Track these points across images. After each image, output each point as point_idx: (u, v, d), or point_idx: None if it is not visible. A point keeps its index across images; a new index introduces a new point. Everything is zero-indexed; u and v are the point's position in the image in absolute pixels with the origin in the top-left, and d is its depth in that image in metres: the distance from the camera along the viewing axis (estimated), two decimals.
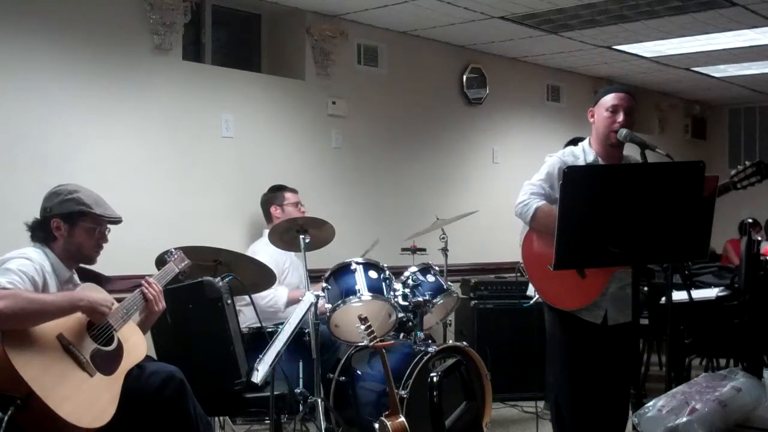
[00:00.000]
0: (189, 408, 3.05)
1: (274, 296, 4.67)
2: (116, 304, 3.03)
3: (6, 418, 2.51)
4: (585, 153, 3.49)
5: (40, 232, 3.00)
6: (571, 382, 3.45)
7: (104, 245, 3.11)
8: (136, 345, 3.03)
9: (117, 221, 3.10)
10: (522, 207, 3.43)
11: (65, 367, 2.72)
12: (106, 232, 3.09)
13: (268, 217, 5.06)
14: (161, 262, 3.56)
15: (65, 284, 3.02)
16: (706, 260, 4.95)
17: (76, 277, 3.11)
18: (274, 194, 5.07)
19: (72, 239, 3.00)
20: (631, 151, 3.44)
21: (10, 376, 2.54)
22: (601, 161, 3.47)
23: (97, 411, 2.73)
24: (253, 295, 4.48)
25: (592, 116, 3.51)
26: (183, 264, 3.43)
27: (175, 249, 3.51)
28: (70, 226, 2.99)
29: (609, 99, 3.44)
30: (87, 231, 3.02)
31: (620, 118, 3.39)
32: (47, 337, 2.71)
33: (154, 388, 3.00)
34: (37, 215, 3.04)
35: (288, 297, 4.71)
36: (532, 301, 3.57)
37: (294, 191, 5.08)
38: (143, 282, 3.17)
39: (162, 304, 3.18)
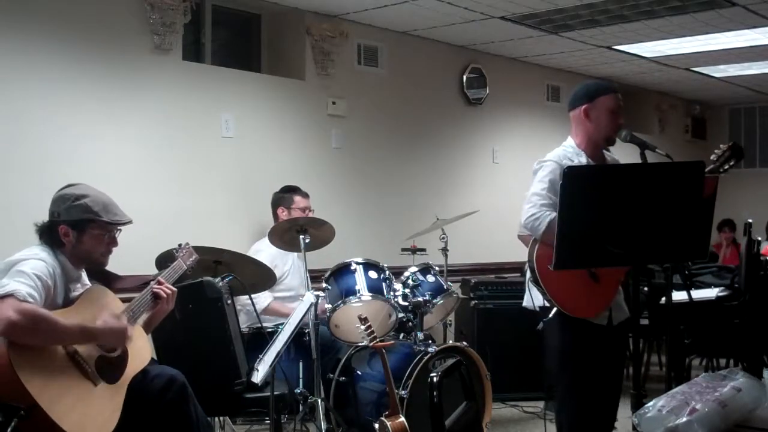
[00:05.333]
0: (191, 411, 3.04)
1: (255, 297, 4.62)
2: (123, 306, 3.02)
3: (10, 429, 2.50)
4: (577, 155, 3.42)
5: (48, 236, 2.94)
6: (581, 391, 3.40)
7: (114, 249, 3.07)
8: (140, 350, 2.99)
9: (126, 224, 3.05)
10: (533, 221, 3.24)
11: (70, 377, 2.70)
12: (117, 235, 3.05)
13: (275, 217, 5.03)
14: (162, 261, 3.56)
15: (73, 284, 2.99)
16: (706, 260, 4.95)
17: (85, 276, 3.08)
18: (284, 195, 5.02)
19: (80, 246, 2.94)
20: (631, 151, 3.44)
21: (14, 387, 2.52)
22: (591, 163, 3.44)
23: (100, 422, 2.72)
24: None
25: (587, 115, 3.39)
26: (191, 259, 3.38)
27: (185, 243, 3.45)
28: (78, 233, 2.93)
29: (611, 101, 3.36)
30: (95, 237, 2.96)
31: (622, 120, 3.39)
32: (54, 347, 2.69)
33: (157, 391, 2.99)
34: (38, 217, 3.00)
35: (270, 305, 4.66)
36: (550, 315, 3.38)
37: (305, 196, 5.01)
38: (156, 281, 3.13)
39: (172, 304, 3.16)
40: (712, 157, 3.34)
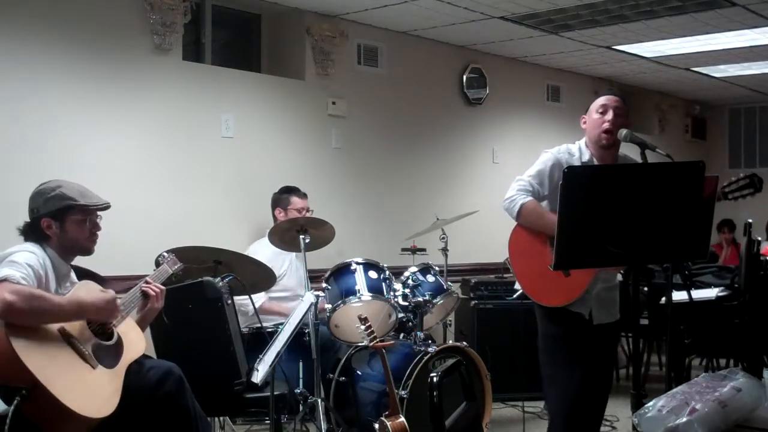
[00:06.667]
0: (188, 403, 3.07)
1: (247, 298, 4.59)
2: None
3: (12, 409, 2.53)
4: (581, 152, 3.50)
5: (33, 233, 3.01)
6: (567, 376, 3.46)
7: (99, 233, 3.11)
8: (135, 340, 3.05)
9: (105, 207, 3.10)
10: (509, 203, 3.44)
11: (68, 358, 2.74)
12: (98, 220, 3.11)
13: (274, 218, 5.02)
14: (159, 264, 3.57)
15: (63, 280, 3.03)
16: (706, 260, 4.95)
17: (73, 275, 3.13)
18: (281, 197, 5.01)
19: (65, 235, 3.01)
20: (631, 151, 3.45)
21: (14, 367, 2.55)
22: (596, 162, 3.48)
23: (100, 401, 2.74)
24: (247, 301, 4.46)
25: (584, 123, 3.53)
26: (176, 267, 3.47)
27: (168, 252, 3.54)
28: (60, 223, 3.00)
29: (599, 101, 3.48)
30: (78, 224, 3.02)
31: (609, 116, 3.41)
32: (50, 330, 2.73)
33: (153, 383, 3.02)
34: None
35: (262, 305, 4.55)
36: (515, 295, 3.60)
37: (303, 196, 5.00)
38: (144, 281, 3.19)
39: (161, 303, 3.21)
40: (724, 182, 3.35)
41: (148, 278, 3.23)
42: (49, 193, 3.01)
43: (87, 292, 2.96)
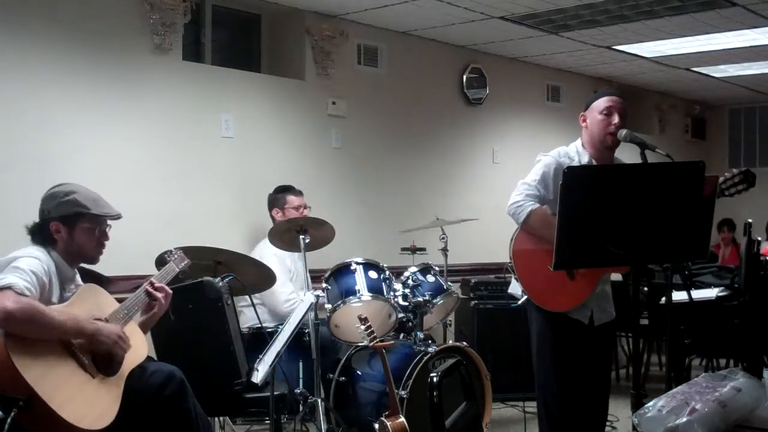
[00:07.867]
0: (189, 407, 3.05)
1: (295, 301, 4.52)
2: (117, 306, 3.04)
3: (9, 419, 2.51)
4: (579, 154, 3.50)
5: (40, 235, 2.98)
6: (561, 381, 3.46)
7: (106, 243, 3.09)
8: (137, 346, 3.02)
9: (116, 218, 3.08)
10: (516, 208, 3.41)
11: (67, 368, 2.72)
12: (107, 230, 3.08)
13: (272, 219, 5.02)
14: (161, 262, 3.57)
15: (68, 283, 3.02)
16: (706, 260, 4.95)
17: (78, 277, 3.11)
18: (277, 196, 5.01)
19: (72, 241, 2.98)
20: (631, 151, 3.45)
21: (12, 377, 2.54)
22: (594, 163, 3.48)
23: (98, 413, 2.73)
24: (272, 294, 4.46)
25: (584, 120, 3.52)
26: (183, 263, 3.43)
27: (175, 249, 3.51)
28: (69, 229, 2.97)
29: (602, 102, 3.45)
30: (87, 232, 3.00)
31: (615, 119, 3.41)
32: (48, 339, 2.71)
33: (155, 387, 3.00)
34: (37, 217, 3.03)
35: None
36: (519, 302, 3.56)
37: (299, 194, 5.00)
38: (149, 282, 3.16)
39: (167, 305, 3.19)
40: (720, 179, 3.35)
41: (152, 279, 3.20)
42: (62, 198, 2.98)
43: (94, 301, 2.94)
